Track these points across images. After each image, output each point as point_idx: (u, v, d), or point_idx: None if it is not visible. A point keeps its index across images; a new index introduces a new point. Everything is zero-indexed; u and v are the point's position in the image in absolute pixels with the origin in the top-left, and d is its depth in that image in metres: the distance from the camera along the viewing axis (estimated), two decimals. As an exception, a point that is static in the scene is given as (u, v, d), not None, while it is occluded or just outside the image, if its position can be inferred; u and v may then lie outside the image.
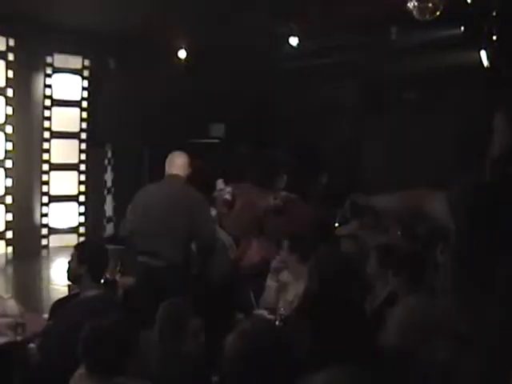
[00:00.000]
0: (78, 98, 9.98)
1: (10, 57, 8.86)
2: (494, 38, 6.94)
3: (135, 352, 2.64)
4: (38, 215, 9.64)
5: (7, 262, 8.84)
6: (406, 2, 5.43)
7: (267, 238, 5.69)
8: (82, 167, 10.09)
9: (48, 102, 9.65)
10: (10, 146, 8.95)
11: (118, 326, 2.66)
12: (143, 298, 4.20)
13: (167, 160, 5.02)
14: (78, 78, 9.95)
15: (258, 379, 2.08)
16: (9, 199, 8.99)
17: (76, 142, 10.03)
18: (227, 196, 6.12)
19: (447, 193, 2.52)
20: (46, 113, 9.64)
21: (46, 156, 9.66)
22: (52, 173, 9.74)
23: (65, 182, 9.93)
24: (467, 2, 6.33)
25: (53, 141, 9.73)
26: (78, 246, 3.83)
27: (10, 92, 8.88)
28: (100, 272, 3.78)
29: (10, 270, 8.67)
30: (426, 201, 2.70)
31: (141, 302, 4.10)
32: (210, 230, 5.00)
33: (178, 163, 4.96)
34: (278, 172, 6.46)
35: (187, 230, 4.68)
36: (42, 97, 9.56)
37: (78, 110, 9.99)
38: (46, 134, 9.66)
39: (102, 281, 3.93)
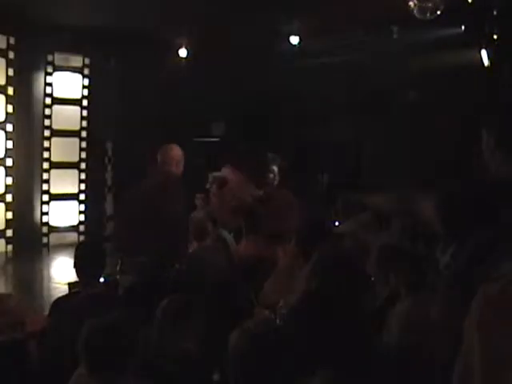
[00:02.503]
0: (79, 96, 9.99)
1: (11, 55, 8.87)
2: (495, 37, 6.94)
3: (135, 351, 2.63)
4: (38, 213, 9.65)
5: (7, 260, 8.85)
6: (407, 2, 5.43)
7: (260, 236, 5.59)
8: (83, 165, 10.10)
9: (48, 100, 9.66)
10: (10, 144, 8.96)
11: (119, 325, 2.66)
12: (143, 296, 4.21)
13: (159, 153, 4.95)
14: (79, 76, 9.95)
15: (262, 377, 2.08)
16: (9, 197, 9.00)
17: (76, 140, 10.04)
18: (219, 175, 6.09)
19: (435, 195, 2.51)
20: (47, 111, 9.66)
21: (46, 154, 9.68)
22: (52, 171, 9.75)
23: (65, 181, 9.93)
24: (468, 2, 6.33)
25: (53, 139, 9.74)
26: (79, 246, 3.88)
27: (10, 90, 8.89)
28: (100, 270, 3.80)
29: (10, 268, 8.68)
30: (417, 202, 2.70)
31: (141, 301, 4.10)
32: (172, 207, 4.81)
33: (169, 157, 4.91)
34: (267, 167, 6.34)
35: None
36: (42, 95, 9.58)
37: (78, 108, 10.00)
38: (47, 132, 9.67)
39: (102, 279, 3.95)
